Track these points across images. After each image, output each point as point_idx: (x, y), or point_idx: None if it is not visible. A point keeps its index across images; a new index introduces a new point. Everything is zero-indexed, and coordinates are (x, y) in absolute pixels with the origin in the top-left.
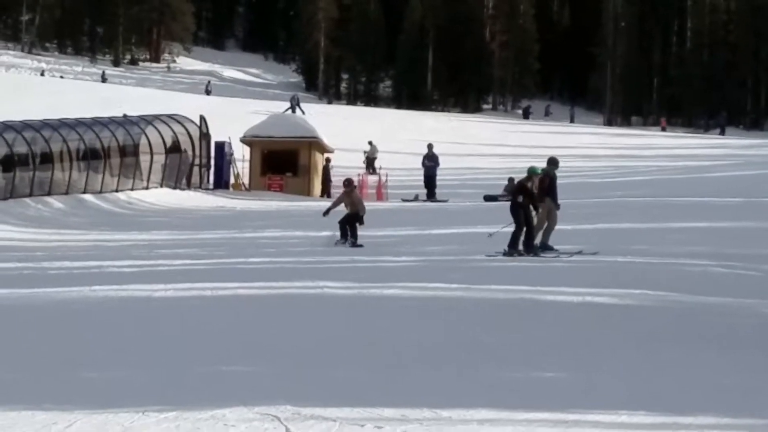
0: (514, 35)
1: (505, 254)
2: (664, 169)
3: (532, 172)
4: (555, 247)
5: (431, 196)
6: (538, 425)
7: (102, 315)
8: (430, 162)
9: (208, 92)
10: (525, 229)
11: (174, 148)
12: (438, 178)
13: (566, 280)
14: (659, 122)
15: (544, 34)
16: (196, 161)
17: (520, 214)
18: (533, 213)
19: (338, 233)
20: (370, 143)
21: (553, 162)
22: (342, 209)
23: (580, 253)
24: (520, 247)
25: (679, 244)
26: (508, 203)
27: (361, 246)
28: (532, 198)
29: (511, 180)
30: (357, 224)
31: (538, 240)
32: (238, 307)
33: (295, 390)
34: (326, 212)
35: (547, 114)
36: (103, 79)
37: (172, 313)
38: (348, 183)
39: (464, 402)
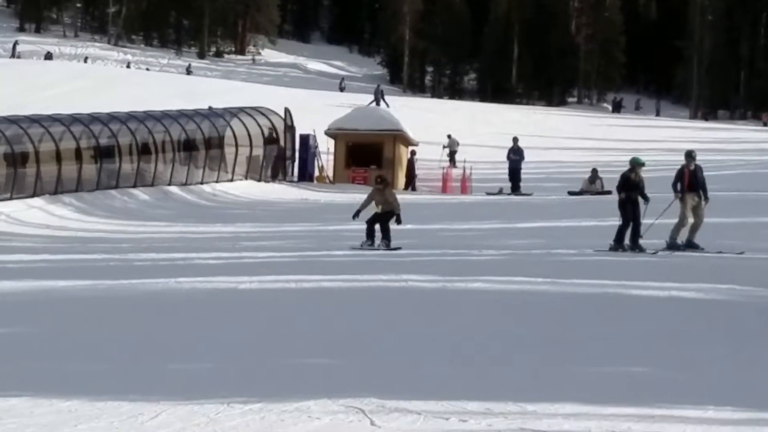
0: (600, 28)
1: (610, 249)
2: (753, 163)
3: (635, 162)
4: (701, 245)
5: (516, 189)
6: (624, 420)
7: (187, 307)
8: (516, 155)
9: (342, 89)
10: (632, 224)
11: (260, 141)
12: (522, 171)
13: (652, 275)
14: (756, 116)
15: (630, 27)
16: (281, 154)
17: (627, 209)
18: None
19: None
20: (449, 137)
21: (689, 155)
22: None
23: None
24: (627, 242)
25: None
26: (594, 197)
27: (398, 248)
28: (639, 189)
29: (594, 171)
30: (390, 224)
31: (684, 237)
32: (322, 299)
33: (379, 383)
34: (356, 214)
35: (637, 108)
36: (189, 72)
37: (257, 306)
38: (381, 180)
39: (549, 396)
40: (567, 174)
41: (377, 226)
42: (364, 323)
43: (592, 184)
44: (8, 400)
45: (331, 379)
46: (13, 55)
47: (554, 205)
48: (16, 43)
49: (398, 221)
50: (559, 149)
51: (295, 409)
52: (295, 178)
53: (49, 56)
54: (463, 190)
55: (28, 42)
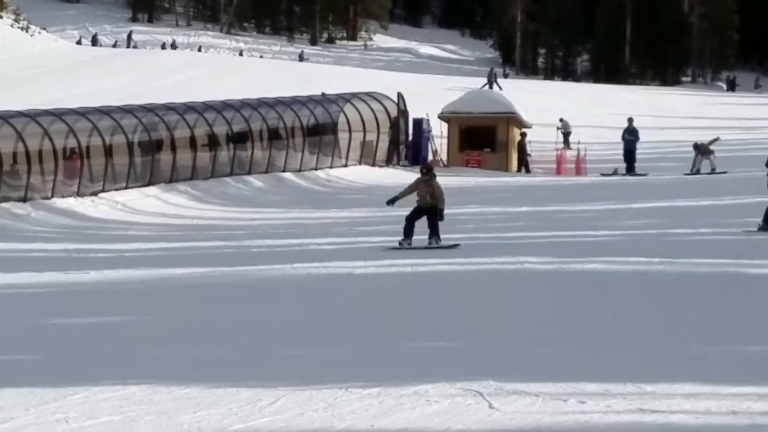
0: (713, 7)
1: (759, 229)
2: None
3: None
4: None
5: (631, 170)
6: (743, 399)
7: (304, 292)
8: (630, 136)
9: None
10: None
11: (374, 126)
12: (637, 152)
13: None
14: None
15: (744, 5)
16: (394, 138)
17: None
18: None
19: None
20: (561, 120)
21: None
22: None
23: None
24: None
25: None
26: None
27: (456, 246)
28: None
29: (696, 146)
30: (437, 219)
31: None
32: (438, 283)
33: (497, 365)
34: (392, 201)
35: (756, 87)
36: (301, 59)
37: (373, 290)
38: (427, 169)
39: (667, 376)
40: (682, 154)
41: (419, 223)
42: (481, 306)
43: (706, 156)
44: (128, 387)
45: (449, 362)
46: (128, 46)
47: (670, 185)
48: (130, 34)
49: (440, 217)
50: (674, 129)
51: (413, 392)
52: (409, 163)
53: (174, 46)
54: (578, 171)
55: (142, 32)
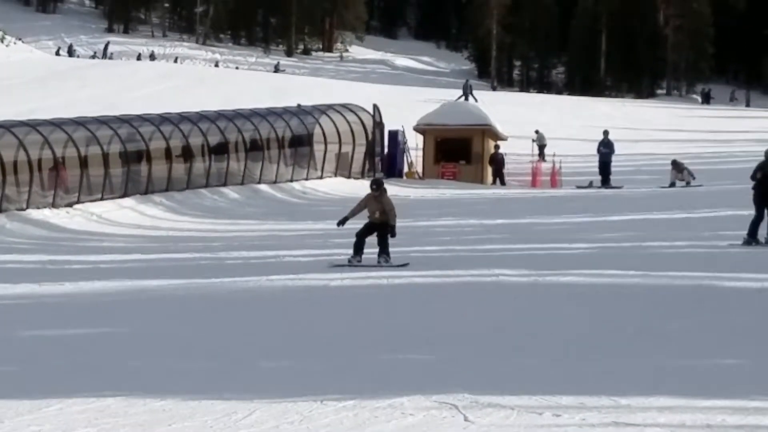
0: (689, 19)
1: (744, 243)
2: None
3: None
4: None
5: (606, 182)
6: (718, 412)
7: (278, 304)
8: (606, 149)
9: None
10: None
11: (349, 138)
12: (612, 164)
13: (744, 267)
14: None
15: (719, 18)
16: (370, 150)
17: (762, 201)
18: None
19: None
20: (536, 132)
21: None
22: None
23: None
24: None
25: None
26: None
27: (405, 265)
28: None
29: (675, 163)
30: (387, 236)
31: None
32: (414, 295)
33: (472, 378)
34: (342, 221)
35: (732, 100)
36: (277, 70)
37: (348, 303)
38: (376, 185)
39: (643, 389)
40: (658, 166)
41: (370, 240)
42: (457, 318)
43: (680, 174)
44: (103, 399)
45: (424, 375)
46: (104, 56)
47: (645, 198)
48: (107, 45)
49: (392, 233)
50: (649, 141)
51: (388, 405)
52: (385, 174)
53: (152, 57)
54: (553, 183)
55: (118, 43)
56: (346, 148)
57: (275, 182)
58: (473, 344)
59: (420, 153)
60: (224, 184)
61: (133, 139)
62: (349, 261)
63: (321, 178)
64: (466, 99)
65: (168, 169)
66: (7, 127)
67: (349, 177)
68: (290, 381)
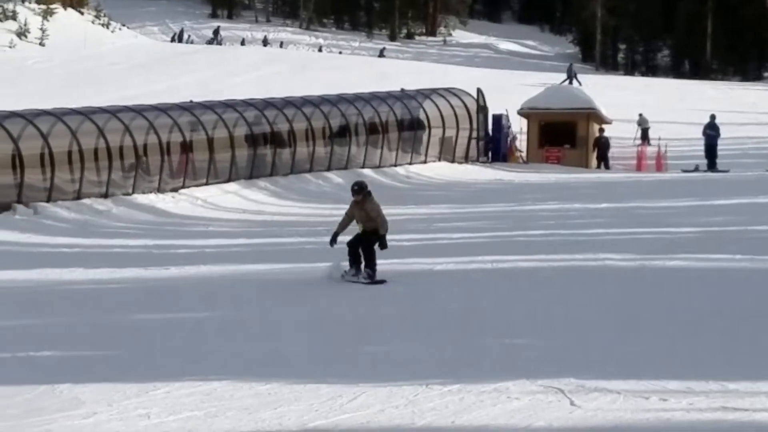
0: None
1: None
2: None
3: None
4: None
5: (712, 166)
6: None
7: (383, 289)
8: (712, 132)
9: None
10: None
11: (453, 122)
12: (719, 148)
13: None
14: None
15: None
16: (474, 134)
17: None
18: None
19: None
20: (639, 115)
21: None
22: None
23: None
24: None
25: None
26: None
27: (382, 282)
28: None
29: None
30: (374, 247)
31: None
32: (519, 279)
33: (578, 362)
34: (333, 239)
35: None
36: (382, 54)
37: (453, 287)
38: (359, 189)
39: (751, 374)
40: (765, 150)
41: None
42: (562, 302)
43: None
44: (210, 383)
45: (529, 359)
46: (216, 42)
47: (752, 182)
48: (218, 29)
49: (381, 244)
50: (756, 125)
51: (493, 389)
52: (489, 159)
53: (265, 42)
54: (658, 167)
55: (222, 28)
56: (450, 133)
57: (379, 167)
58: (579, 329)
59: (524, 137)
60: (328, 169)
61: (237, 123)
62: (343, 275)
63: (425, 162)
64: (571, 82)
65: (272, 153)
66: (113, 112)
67: (453, 161)
68: (395, 365)
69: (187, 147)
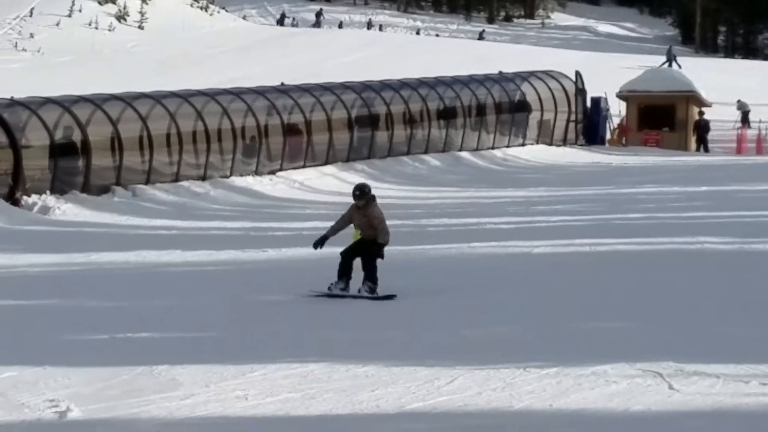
0: None
1: None
2: None
3: None
4: None
5: None
6: None
7: (481, 272)
8: None
9: None
10: None
11: (551, 105)
12: None
13: None
14: None
15: None
16: (572, 117)
17: None
18: None
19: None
20: (738, 101)
21: None
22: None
23: None
24: None
25: None
26: None
27: (392, 297)
28: None
29: None
30: (375, 258)
31: None
32: (617, 263)
33: (676, 346)
34: (320, 242)
35: None
36: (481, 37)
37: (551, 270)
38: (360, 193)
39: None
40: None
41: (358, 262)
42: (660, 286)
43: None
44: (306, 365)
45: (627, 342)
46: (317, 24)
47: None
48: (320, 12)
49: (379, 254)
50: None
51: (591, 373)
52: (587, 142)
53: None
54: (759, 150)
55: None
56: (548, 116)
57: (476, 149)
58: (678, 312)
59: (623, 120)
60: (425, 152)
61: (334, 106)
62: (330, 288)
63: (523, 145)
64: (670, 65)
65: (370, 136)
66: (212, 95)
67: (551, 144)
68: (492, 348)
69: (298, 130)
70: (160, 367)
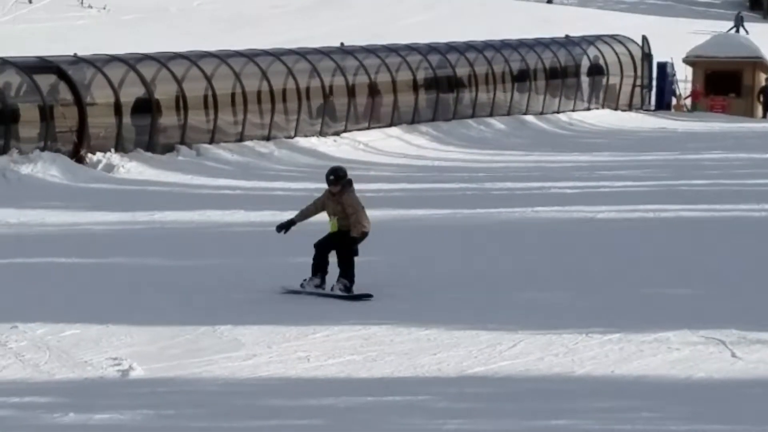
0: None
1: None
2: None
3: None
4: None
5: None
6: None
7: (544, 236)
8: None
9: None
10: None
11: (617, 69)
12: None
13: None
14: None
15: None
16: (638, 82)
17: None
18: None
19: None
20: None
21: None
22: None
23: None
24: None
25: None
26: None
27: (368, 296)
28: None
29: None
30: (351, 252)
31: None
32: (681, 229)
33: (740, 314)
34: (285, 225)
35: None
36: (550, 1)
37: (614, 236)
38: (335, 178)
39: None
40: None
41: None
42: (724, 254)
43: None
44: (369, 327)
45: (690, 309)
46: None
47: None
48: None
49: (353, 249)
50: None
51: (653, 339)
52: (653, 107)
53: None
54: None
55: None
56: (614, 80)
57: (542, 113)
58: (742, 279)
59: (689, 85)
60: (490, 115)
61: (400, 68)
62: (302, 285)
63: (588, 109)
64: (738, 31)
65: (435, 99)
66: (276, 55)
67: (616, 109)
68: (555, 313)
69: (374, 90)
70: (222, 327)
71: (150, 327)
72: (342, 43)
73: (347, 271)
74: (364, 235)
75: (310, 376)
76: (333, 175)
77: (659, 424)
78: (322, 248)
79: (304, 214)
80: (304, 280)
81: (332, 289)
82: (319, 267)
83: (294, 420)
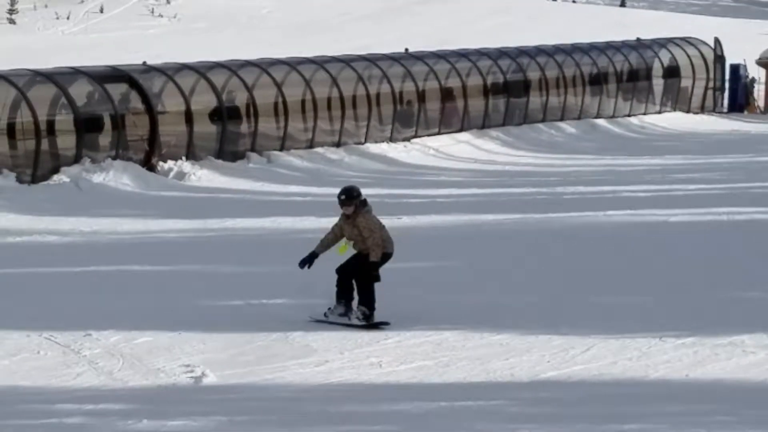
0: None
1: None
2: None
3: None
4: None
5: None
6: None
7: (617, 240)
8: None
9: None
10: None
11: (689, 72)
12: None
13: None
14: None
15: None
16: (710, 84)
17: None
18: None
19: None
20: None
21: None
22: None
23: None
24: None
25: None
26: None
27: (384, 325)
28: None
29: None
30: (370, 278)
31: None
32: (755, 231)
33: None
34: (307, 260)
35: None
36: (623, 4)
37: (687, 239)
38: (346, 197)
39: None
40: None
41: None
42: None
43: None
44: (441, 333)
45: (766, 313)
46: None
47: None
48: None
49: (374, 275)
50: None
51: (728, 343)
52: (725, 109)
53: None
54: None
55: None
56: (686, 83)
57: (613, 117)
58: None
59: (762, 87)
60: (561, 119)
61: (472, 73)
62: (326, 315)
63: (659, 112)
64: None
65: (505, 103)
66: (347, 61)
67: (688, 112)
68: (628, 317)
69: (449, 95)
70: (294, 334)
71: (222, 334)
72: (406, 49)
73: (365, 298)
74: (386, 257)
75: (382, 382)
76: (344, 194)
77: (734, 428)
78: (344, 273)
79: (325, 244)
80: (328, 308)
81: (349, 318)
82: (343, 293)
83: (367, 426)
